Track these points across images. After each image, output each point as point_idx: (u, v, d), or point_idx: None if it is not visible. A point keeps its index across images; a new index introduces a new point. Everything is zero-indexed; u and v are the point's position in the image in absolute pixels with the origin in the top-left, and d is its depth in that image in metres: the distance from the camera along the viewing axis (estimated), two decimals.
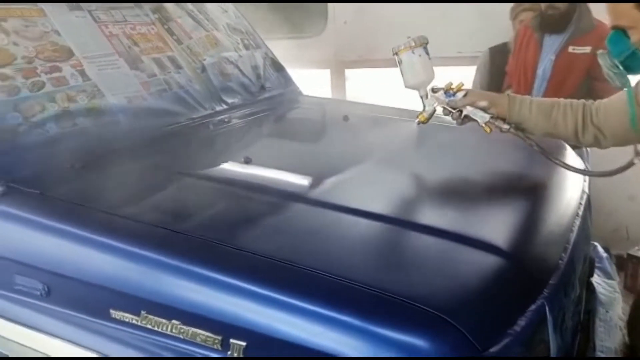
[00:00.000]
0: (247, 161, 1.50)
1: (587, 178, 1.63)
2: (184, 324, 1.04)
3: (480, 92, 1.48)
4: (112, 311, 1.12)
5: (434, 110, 1.48)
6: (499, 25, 3.01)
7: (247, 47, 2.32)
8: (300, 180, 1.45)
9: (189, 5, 2.16)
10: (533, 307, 0.99)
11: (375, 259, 1.07)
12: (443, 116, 1.48)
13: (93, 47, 1.71)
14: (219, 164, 1.64)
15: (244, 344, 0.98)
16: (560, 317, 1.08)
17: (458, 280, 0.99)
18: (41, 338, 1.23)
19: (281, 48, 2.62)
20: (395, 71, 1.51)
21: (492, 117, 1.38)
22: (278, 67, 2.44)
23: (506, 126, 1.38)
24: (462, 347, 0.87)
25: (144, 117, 1.71)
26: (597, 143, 1.39)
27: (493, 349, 0.88)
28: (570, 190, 1.51)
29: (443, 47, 3.38)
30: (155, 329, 1.07)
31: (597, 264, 1.89)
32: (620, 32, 1.13)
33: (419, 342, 0.87)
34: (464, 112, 1.41)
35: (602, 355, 1.42)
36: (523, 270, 1.06)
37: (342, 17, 3.72)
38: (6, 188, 1.31)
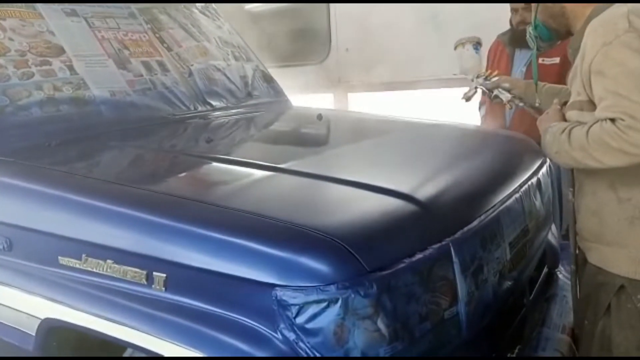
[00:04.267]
0: (208, 140, 1.61)
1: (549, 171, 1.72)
2: (117, 262, 1.13)
3: (508, 78, 1.89)
4: (60, 258, 1.23)
5: (475, 91, 1.87)
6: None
7: (237, 59, 2.47)
8: (238, 150, 1.56)
9: (182, 19, 2.34)
10: (436, 246, 1.04)
11: (287, 202, 1.14)
12: None
13: (84, 48, 1.89)
14: (177, 142, 1.80)
15: (164, 275, 1.06)
16: (474, 266, 1.11)
17: (360, 217, 1.06)
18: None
19: (288, 74, 2.80)
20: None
21: (513, 97, 1.73)
22: (268, 79, 2.58)
23: (521, 103, 1.71)
24: (350, 266, 0.92)
25: (126, 110, 1.86)
26: None
27: (382, 272, 0.94)
28: (515, 172, 1.56)
29: (438, 70, 3.54)
30: (95, 270, 1.17)
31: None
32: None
33: (310, 261, 0.93)
34: (494, 92, 1.77)
35: (549, 330, 1.43)
36: (431, 216, 1.11)
37: (344, 45, 3.90)
38: None
